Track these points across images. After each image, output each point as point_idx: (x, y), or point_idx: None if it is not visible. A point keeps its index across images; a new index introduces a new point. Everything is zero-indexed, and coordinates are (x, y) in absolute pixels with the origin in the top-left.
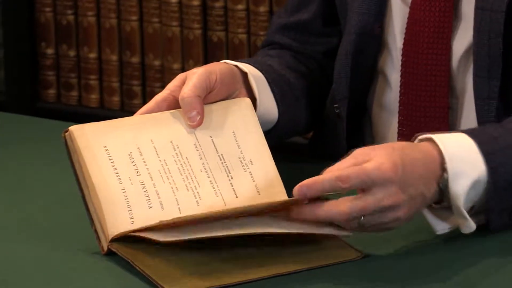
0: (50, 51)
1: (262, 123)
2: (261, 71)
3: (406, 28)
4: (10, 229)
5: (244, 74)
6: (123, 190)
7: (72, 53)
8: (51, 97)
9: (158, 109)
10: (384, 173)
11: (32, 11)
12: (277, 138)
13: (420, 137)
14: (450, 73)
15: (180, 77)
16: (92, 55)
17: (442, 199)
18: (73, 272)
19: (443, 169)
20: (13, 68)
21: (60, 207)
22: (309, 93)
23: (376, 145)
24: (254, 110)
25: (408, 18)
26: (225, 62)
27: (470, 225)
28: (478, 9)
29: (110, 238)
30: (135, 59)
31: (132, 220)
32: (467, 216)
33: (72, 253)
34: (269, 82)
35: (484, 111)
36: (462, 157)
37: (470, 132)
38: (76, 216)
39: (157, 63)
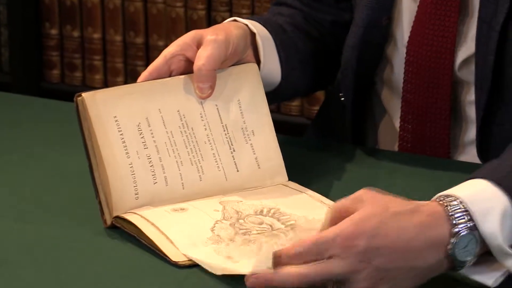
0: (54, 31)
1: (264, 85)
2: (270, 31)
3: (412, 27)
4: (16, 209)
5: (253, 34)
6: (130, 165)
7: (76, 33)
8: (55, 78)
9: (166, 65)
10: (342, 242)
11: None
12: (276, 99)
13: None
14: (453, 76)
15: (193, 35)
16: (96, 35)
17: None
18: (79, 250)
19: (451, 233)
20: (17, 48)
21: (65, 187)
22: (315, 58)
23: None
24: (260, 77)
25: (415, 17)
26: (235, 21)
27: None
28: (480, 19)
29: (114, 214)
30: (139, 40)
31: (137, 196)
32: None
33: (77, 231)
34: (276, 45)
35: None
36: (479, 197)
37: (472, 176)
38: (81, 195)
39: (161, 43)
